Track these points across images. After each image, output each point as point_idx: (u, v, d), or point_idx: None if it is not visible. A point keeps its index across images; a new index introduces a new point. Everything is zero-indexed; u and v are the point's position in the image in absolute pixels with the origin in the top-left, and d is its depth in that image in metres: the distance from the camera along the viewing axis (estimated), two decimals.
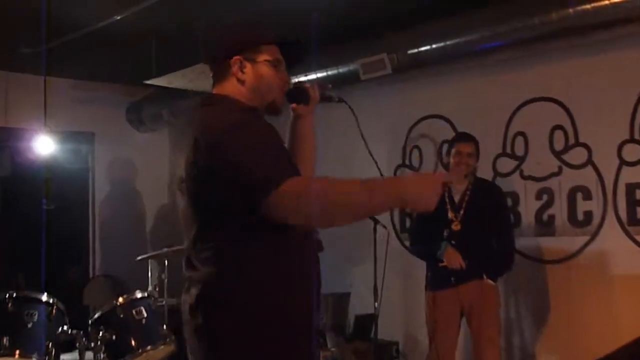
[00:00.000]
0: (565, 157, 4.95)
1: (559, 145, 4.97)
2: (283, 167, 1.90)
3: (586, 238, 4.81)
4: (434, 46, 4.88)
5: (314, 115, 2.35)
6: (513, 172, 5.21)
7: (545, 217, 5.02)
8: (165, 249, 5.05)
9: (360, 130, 2.25)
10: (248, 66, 2.10)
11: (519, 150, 5.18)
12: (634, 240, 4.59)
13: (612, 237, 4.67)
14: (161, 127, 7.25)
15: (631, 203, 4.62)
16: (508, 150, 5.24)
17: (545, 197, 5.04)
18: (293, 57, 2.20)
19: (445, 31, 4.80)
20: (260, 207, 1.84)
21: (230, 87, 2.10)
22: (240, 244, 1.93)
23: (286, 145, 2.27)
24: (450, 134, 5.09)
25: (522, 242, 4.96)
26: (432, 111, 5.72)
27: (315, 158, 2.36)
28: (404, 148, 5.91)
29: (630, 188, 4.63)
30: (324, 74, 5.35)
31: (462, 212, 4.47)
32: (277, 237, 1.94)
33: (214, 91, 2.14)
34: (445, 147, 4.96)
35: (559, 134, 4.97)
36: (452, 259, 4.36)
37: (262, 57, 2.11)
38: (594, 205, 4.78)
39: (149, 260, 5.30)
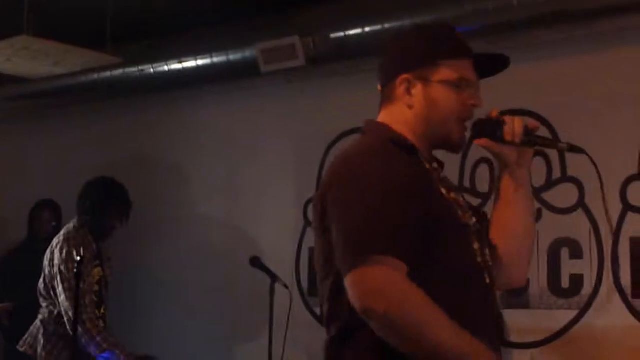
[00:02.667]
0: (547, 196, 4.97)
1: (538, 179, 4.95)
2: (386, 239, 2.07)
3: (573, 313, 4.82)
4: (367, 30, 4.92)
5: (528, 167, 2.46)
6: None
7: None
8: None
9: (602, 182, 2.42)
10: (418, 87, 2.32)
11: (481, 185, 5.20)
12: None
13: (609, 312, 4.71)
14: None
15: (637, 264, 4.66)
16: (466, 183, 5.26)
17: None
18: (485, 71, 2.38)
19: (385, 7, 4.82)
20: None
21: (396, 114, 2.34)
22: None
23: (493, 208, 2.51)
24: None
25: None
26: (354, 124, 5.58)
27: (531, 233, 2.51)
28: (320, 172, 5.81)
29: (637, 244, 4.68)
30: (207, 60, 5.40)
31: None
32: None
33: (379, 118, 2.40)
34: None
35: (538, 164, 4.94)
36: None
37: (439, 76, 2.30)
38: (585, 267, 4.82)
39: None
